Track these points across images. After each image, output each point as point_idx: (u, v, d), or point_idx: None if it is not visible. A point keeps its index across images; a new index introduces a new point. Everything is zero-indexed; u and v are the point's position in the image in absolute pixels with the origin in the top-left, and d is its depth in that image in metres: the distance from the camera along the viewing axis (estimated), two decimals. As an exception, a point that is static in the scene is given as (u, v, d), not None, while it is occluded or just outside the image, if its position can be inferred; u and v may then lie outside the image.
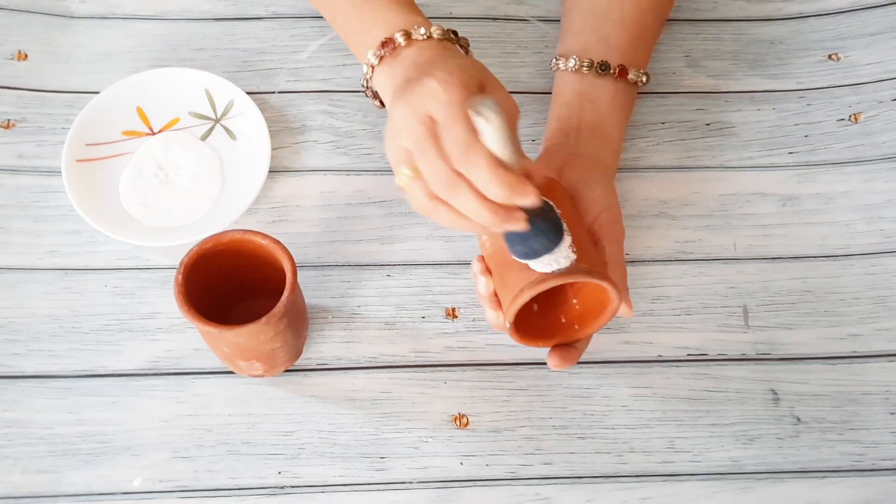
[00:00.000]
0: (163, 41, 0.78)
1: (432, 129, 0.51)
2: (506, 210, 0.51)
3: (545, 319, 0.61)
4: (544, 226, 0.53)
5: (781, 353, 0.67)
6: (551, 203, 0.56)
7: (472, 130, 0.50)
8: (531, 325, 0.60)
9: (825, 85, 0.78)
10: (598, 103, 0.67)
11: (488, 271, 0.59)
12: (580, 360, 0.66)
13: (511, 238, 0.54)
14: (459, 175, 0.51)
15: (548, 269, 0.55)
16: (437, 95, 0.51)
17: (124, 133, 0.73)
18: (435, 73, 0.52)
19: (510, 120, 0.52)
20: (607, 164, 0.66)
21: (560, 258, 0.54)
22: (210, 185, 0.71)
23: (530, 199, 0.50)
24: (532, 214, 0.52)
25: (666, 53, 0.80)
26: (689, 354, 0.67)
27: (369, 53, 0.60)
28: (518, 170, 0.51)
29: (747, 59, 0.80)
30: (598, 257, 0.59)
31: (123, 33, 0.79)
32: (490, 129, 0.50)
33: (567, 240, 0.55)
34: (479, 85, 0.53)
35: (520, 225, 0.52)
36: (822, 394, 0.66)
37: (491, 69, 0.78)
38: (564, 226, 0.55)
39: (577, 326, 0.61)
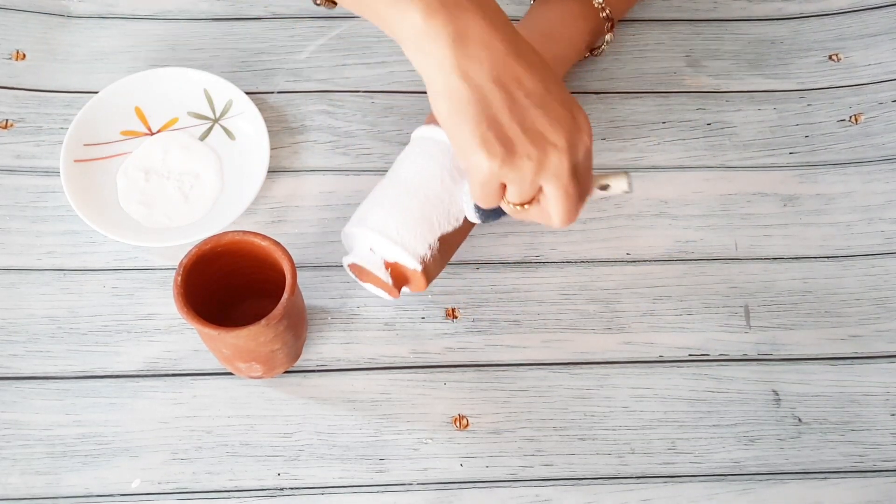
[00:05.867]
0: (161, 41, 0.78)
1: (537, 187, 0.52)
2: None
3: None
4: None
5: (783, 353, 0.67)
6: None
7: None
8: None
9: (826, 85, 0.78)
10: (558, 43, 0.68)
11: None
12: (580, 360, 0.66)
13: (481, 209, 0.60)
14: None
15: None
16: (587, 142, 0.52)
17: (123, 133, 0.73)
18: (581, 111, 0.52)
19: None
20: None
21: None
22: (209, 185, 0.71)
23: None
24: None
25: (667, 53, 0.80)
26: (690, 355, 0.66)
27: None
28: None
29: (748, 59, 0.80)
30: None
31: (122, 33, 0.78)
32: (613, 190, 0.56)
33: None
34: None
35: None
36: (823, 395, 0.65)
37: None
38: None
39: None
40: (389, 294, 0.62)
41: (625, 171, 0.56)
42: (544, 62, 0.53)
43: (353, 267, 0.62)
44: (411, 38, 0.50)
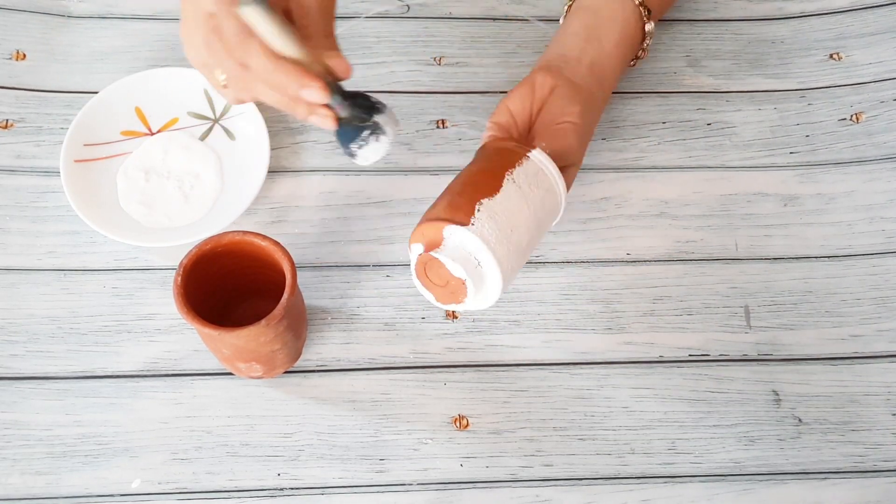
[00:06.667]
0: (161, 41, 0.78)
1: (217, 27, 0.53)
2: (306, 105, 0.54)
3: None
4: (356, 117, 0.56)
5: (783, 353, 0.67)
6: (369, 98, 0.57)
7: (244, 26, 0.52)
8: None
9: (826, 84, 0.78)
10: (604, 42, 0.69)
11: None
12: (580, 360, 0.66)
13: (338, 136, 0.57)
14: (247, 68, 0.53)
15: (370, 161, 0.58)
16: None
17: (123, 133, 0.73)
18: None
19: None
20: (596, 97, 0.68)
21: (379, 148, 0.57)
22: (209, 185, 0.71)
23: (313, 90, 0.52)
24: (345, 110, 0.55)
25: (667, 53, 0.79)
26: (690, 355, 0.66)
27: None
28: (310, 63, 0.53)
29: (748, 58, 0.79)
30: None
31: (122, 33, 0.78)
32: (252, 21, 0.51)
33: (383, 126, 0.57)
34: None
35: (326, 120, 0.55)
36: (823, 395, 0.65)
37: (491, 69, 0.79)
38: (381, 111, 0.57)
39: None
40: (441, 300, 0.59)
41: None
42: None
43: (430, 259, 0.57)
44: None
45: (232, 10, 0.51)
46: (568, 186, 0.65)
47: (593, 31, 0.69)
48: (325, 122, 0.55)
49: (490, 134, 0.65)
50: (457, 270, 0.56)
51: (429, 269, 0.57)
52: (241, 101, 0.57)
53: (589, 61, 0.68)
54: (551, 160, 0.61)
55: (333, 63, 0.54)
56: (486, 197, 0.57)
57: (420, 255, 0.57)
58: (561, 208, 0.63)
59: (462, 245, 0.56)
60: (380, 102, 0.57)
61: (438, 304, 0.59)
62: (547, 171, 0.60)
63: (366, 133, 0.57)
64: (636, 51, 0.73)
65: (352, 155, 0.58)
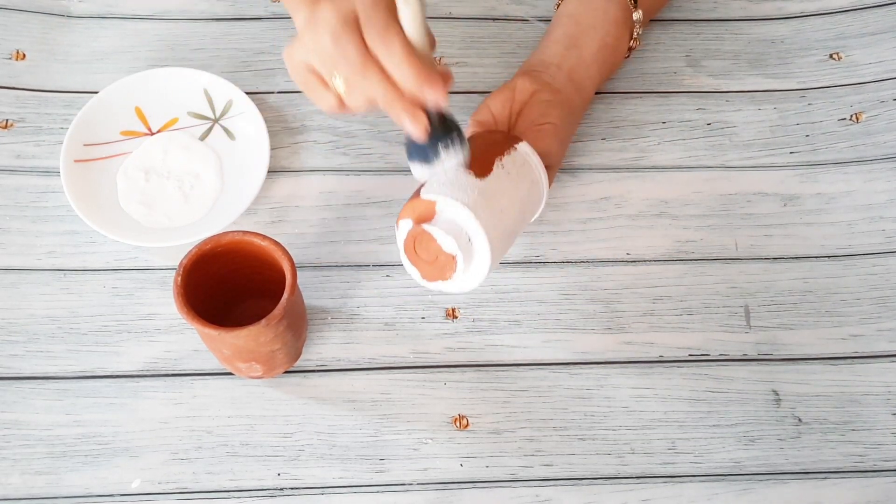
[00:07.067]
0: (161, 41, 0.78)
1: (356, 24, 0.53)
2: (412, 106, 0.54)
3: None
4: (440, 138, 0.57)
5: (783, 353, 0.67)
6: (455, 122, 0.58)
7: (394, 16, 0.53)
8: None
9: (826, 84, 0.78)
10: (583, 50, 0.71)
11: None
12: (580, 360, 0.66)
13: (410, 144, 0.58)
14: (373, 62, 0.54)
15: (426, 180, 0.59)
16: (328, 22, 0.54)
17: (123, 133, 0.73)
18: None
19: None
20: (574, 103, 0.70)
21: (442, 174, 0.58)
22: (209, 185, 0.71)
23: (439, 91, 0.53)
24: (434, 124, 0.56)
25: (666, 53, 0.79)
26: (690, 355, 0.66)
27: None
28: (426, 58, 0.54)
29: (748, 58, 0.79)
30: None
31: (122, 33, 0.78)
32: (408, 10, 0.53)
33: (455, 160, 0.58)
34: None
35: (419, 125, 0.55)
36: (823, 394, 0.65)
37: (491, 69, 0.79)
38: (461, 145, 0.58)
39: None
40: (427, 277, 0.59)
41: None
42: None
43: (421, 233, 0.57)
44: None
45: (383, 2, 0.53)
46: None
47: (574, 39, 0.71)
48: (416, 128, 0.55)
49: (472, 130, 0.67)
50: (448, 245, 0.56)
51: (418, 244, 0.58)
52: (353, 107, 0.57)
53: (568, 68, 0.70)
54: (536, 154, 0.63)
55: (440, 69, 0.55)
56: (478, 178, 0.58)
57: (411, 229, 0.57)
58: (542, 202, 0.64)
59: (454, 219, 0.57)
60: (457, 123, 0.58)
61: (423, 283, 0.59)
62: (532, 163, 0.62)
63: (449, 143, 0.57)
64: (619, 56, 0.74)
65: (426, 162, 0.58)
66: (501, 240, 0.59)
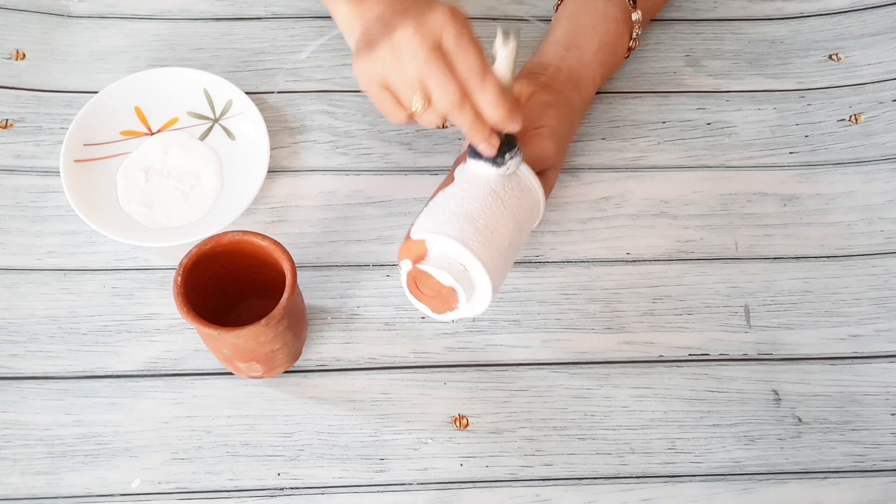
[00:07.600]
0: (161, 41, 0.78)
1: (445, 58, 0.55)
2: (491, 133, 0.57)
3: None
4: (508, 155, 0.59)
5: (783, 353, 0.67)
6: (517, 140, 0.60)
7: (480, 50, 0.56)
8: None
9: (826, 85, 0.78)
10: (583, 51, 0.71)
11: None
12: (580, 360, 0.66)
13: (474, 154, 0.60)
14: (469, 99, 0.56)
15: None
16: (448, 25, 0.55)
17: (123, 133, 0.73)
18: (441, 5, 0.56)
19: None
20: (574, 103, 0.70)
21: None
22: (209, 185, 0.71)
23: (518, 125, 0.57)
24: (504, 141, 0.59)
25: (666, 53, 0.80)
26: (690, 354, 0.66)
27: None
28: (511, 95, 0.58)
29: (748, 58, 0.80)
30: None
31: (121, 33, 0.78)
32: (505, 52, 0.56)
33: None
34: None
35: (491, 150, 0.58)
36: (823, 394, 0.65)
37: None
38: (519, 154, 0.60)
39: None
40: (436, 311, 0.60)
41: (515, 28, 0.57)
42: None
43: (419, 272, 0.58)
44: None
45: (477, 42, 0.56)
46: (550, 188, 0.67)
47: (573, 39, 0.71)
48: (490, 149, 0.58)
49: None
50: (444, 278, 0.57)
51: (420, 283, 0.59)
52: (425, 124, 0.59)
53: (568, 69, 0.70)
54: (523, 162, 0.63)
55: (514, 98, 0.58)
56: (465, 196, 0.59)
57: (409, 270, 0.58)
58: (541, 207, 0.64)
59: (446, 253, 0.57)
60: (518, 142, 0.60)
61: (435, 316, 0.60)
62: (520, 173, 0.62)
63: (514, 154, 0.59)
64: (619, 55, 0.74)
65: (494, 165, 0.59)
66: (500, 258, 0.59)
